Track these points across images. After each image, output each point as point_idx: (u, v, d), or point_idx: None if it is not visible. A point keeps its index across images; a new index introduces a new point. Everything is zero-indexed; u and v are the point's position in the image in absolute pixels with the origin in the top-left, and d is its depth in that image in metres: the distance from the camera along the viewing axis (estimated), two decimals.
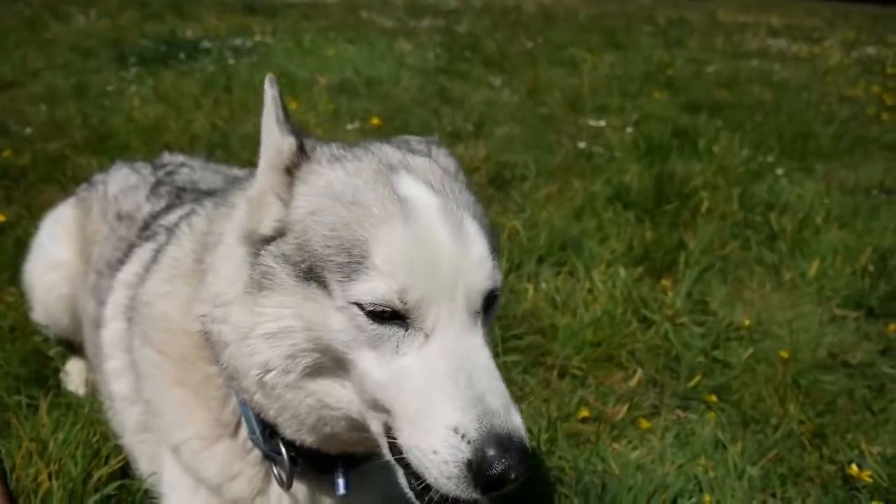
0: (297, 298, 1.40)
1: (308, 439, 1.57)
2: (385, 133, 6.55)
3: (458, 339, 1.34)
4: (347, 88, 8.05)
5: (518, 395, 3.04)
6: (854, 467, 2.57)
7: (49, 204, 3.15)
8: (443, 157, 1.66)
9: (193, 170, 2.74)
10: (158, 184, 2.58)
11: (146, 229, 2.27)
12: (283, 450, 1.61)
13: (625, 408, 2.94)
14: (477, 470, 1.24)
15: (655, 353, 3.35)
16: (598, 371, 3.22)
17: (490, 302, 1.43)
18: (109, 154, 5.04)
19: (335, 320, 1.36)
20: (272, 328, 1.43)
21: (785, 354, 3.30)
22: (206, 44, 9.82)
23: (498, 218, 4.59)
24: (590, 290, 3.78)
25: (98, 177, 2.86)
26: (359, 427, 1.49)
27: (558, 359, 3.23)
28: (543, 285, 3.86)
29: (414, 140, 1.77)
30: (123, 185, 2.65)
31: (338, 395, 1.46)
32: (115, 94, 7.18)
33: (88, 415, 2.41)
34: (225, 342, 1.51)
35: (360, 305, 1.33)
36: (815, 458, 2.73)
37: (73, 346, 2.91)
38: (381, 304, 1.32)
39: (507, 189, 5.40)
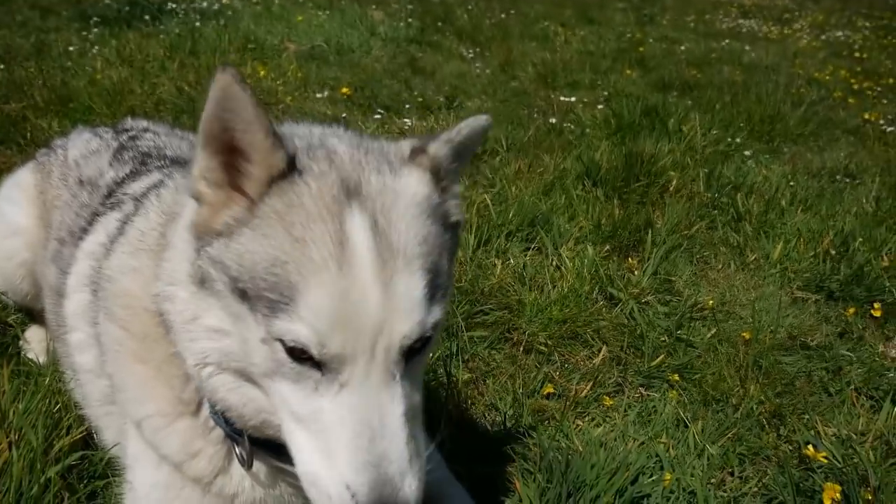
0: (231, 311, 1.39)
1: (256, 434, 1.57)
2: (355, 103, 6.48)
3: (370, 396, 1.34)
4: (317, 56, 7.94)
5: (484, 370, 3.06)
6: (810, 448, 2.63)
7: (8, 167, 3.07)
8: (414, 177, 1.48)
9: (158, 135, 2.67)
10: (122, 149, 2.50)
11: (110, 197, 2.21)
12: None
13: (589, 385, 2.97)
14: None
15: (620, 331, 3.38)
16: (564, 348, 3.25)
17: (424, 343, 1.40)
18: (71, 117, 4.90)
19: (260, 348, 1.36)
20: (212, 324, 1.44)
21: (747, 335, 3.35)
22: (171, 5, 9.58)
23: (467, 192, 4.58)
24: (557, 267, 3.80)
25: (58, 141, 2.77)
26: None
27: (524, 335, 3.25)
28: (511, 261, 3.87)
29: (410, 139, 1.63)
30: (84, 149, 2.57)
31: (271, 407, 1.45)
32: (77, 54, 6.98)
33: (49, 384, 2.36)
34: (172, 322, 1.50)
35: (282, 342, 1.32)
36: (772, 438, 2.79)
37: (32, 314, 2.85)
38: (300, 346, 1.31)
39: (476, 163, 5.38)
